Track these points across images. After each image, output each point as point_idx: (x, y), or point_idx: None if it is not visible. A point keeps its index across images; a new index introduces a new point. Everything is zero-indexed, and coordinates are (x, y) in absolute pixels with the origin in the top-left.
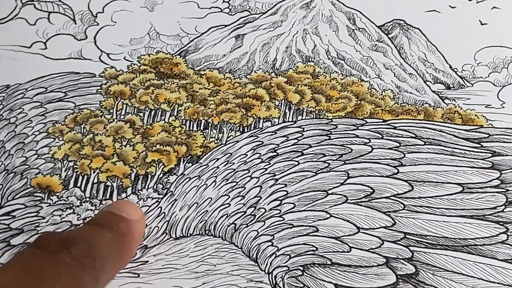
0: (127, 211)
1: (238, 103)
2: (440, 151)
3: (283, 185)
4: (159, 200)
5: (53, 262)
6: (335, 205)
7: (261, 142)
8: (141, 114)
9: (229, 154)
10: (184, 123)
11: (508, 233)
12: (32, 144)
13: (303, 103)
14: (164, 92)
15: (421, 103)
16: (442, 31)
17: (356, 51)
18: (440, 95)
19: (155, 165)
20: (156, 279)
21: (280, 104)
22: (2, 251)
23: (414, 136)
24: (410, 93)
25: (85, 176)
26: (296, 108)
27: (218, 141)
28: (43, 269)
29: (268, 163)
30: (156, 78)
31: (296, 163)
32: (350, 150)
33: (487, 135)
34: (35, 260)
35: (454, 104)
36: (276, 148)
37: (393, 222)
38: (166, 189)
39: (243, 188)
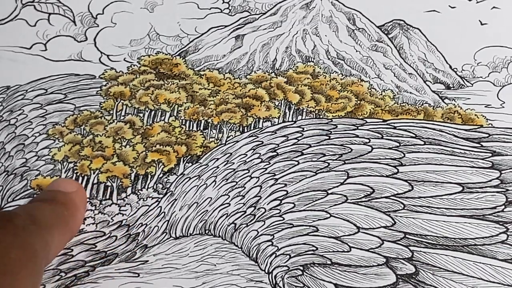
0: (63, 185)
1: (238, 103)
2: (440, 151)
3: (283, 185)
4: (159, 199)
5: (1, 235)
6: (335, 205)
7: (261, 142)
8: (141, 115)
9: (229, 154)
10: (184, 123)
11: (508, 233)
12: (32, 146)
13: (303, 103)
14: (164, 93)
15: (421, 103)
16: (442, 31)
17: (356, 51)
18: (440, 95)
19: (155, 165)
20: (156, 279)
21: (280, 104)
22: None
23: (414, 136)
24: (410, 93)
25: (85, 177)
26: (296, 108)
27: (218, 141)
28: None
29: (268, 163)
30: (156, 78)
31: (296, 163)
32: (350, 150)
33: (487, 135)
34: None
35: (454, 104)
36: (276, 148)
37: (393, 222)
38: (166, 189)
39: (243, 188)
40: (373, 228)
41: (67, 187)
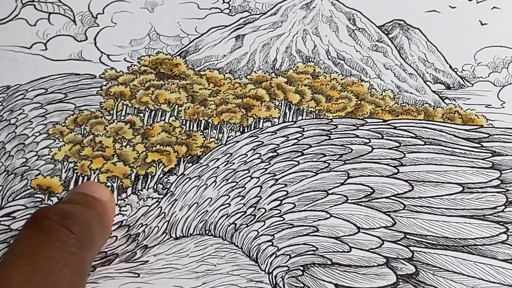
0: (99, 192)
1: (238, 103)
2: (440, 151)
3: (283, 185)
4: (159, 200)
5: (58, 251)
6: (335, 205)
7: (261, 142)
8: (141, 115)
9: (229, 154)
10: (184, 123)
11: (508, 233)
12: (33, 145)
13: (303, 103)
14: (164, 93)
15: (421, 103)
16: (442, 31)
17: (356, 51)
18: (440, 95)
19: (155, 165)
20: (156, 279)
21: (280, 104)
22: (2, 252)
23: (414, 136)
24: (410, 93)
25: (86, 177)
26: (296, 108)
27: (218, 141)
28: (49, 261)
29: (268, 163)
30: (156, 78)
31: (296, 163)
32: (350, 150)
33: (487, 135)
34: (40, 250)
35: (454, 104)
36: (276, 148)
37: (393, 222)
38: (166, 189)
39: (243, 188)
40: (373, 228)
41: (102, 194)
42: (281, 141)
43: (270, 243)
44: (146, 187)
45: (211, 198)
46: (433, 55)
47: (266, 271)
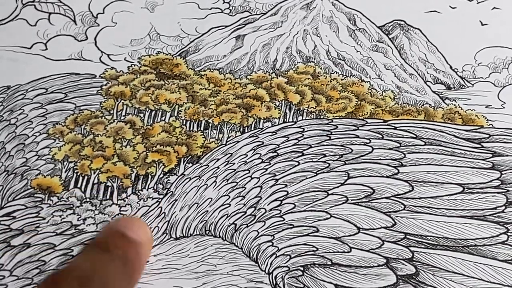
0: (138, 232)
1: (238, 104)
2: (440, 152)
3: (284, 186)
4: (159, 200)
5: None
6: (336, 205)
7: (261, 143)
8: (142, 115)
9: (229, 155)
10: (184, 123)
11: (508, 234)
12: (33, 145)
13: (304, 104)
14: (165, 93)
15: (422, 104)
16: (443, 31)
17: (357, 51)
18: (441, 95)
19: (155, 165)
20: (156, 279)
21: (280, 104)
22: (2, 252)
23: (414, 136)
24: (411, 93)
25: (86, 177)
26: (296, 108)
27: (219, 141)
28: None
29: (268, 164)
30: (157, 78)
31: (297, 163)
32: (350, 151)
33: (488, 136)
34: None
35: (455, 105)
36: (277, 149)
37: (394, 223)
38: (166, 189)
39: (244, 188)
40: (374, 229)
41: (142, 235)
42: (281, 141)
43: (270, 244)
44: (146, 187)
45: (211, 198)
46: (433, 55)
47: (266, 272)
